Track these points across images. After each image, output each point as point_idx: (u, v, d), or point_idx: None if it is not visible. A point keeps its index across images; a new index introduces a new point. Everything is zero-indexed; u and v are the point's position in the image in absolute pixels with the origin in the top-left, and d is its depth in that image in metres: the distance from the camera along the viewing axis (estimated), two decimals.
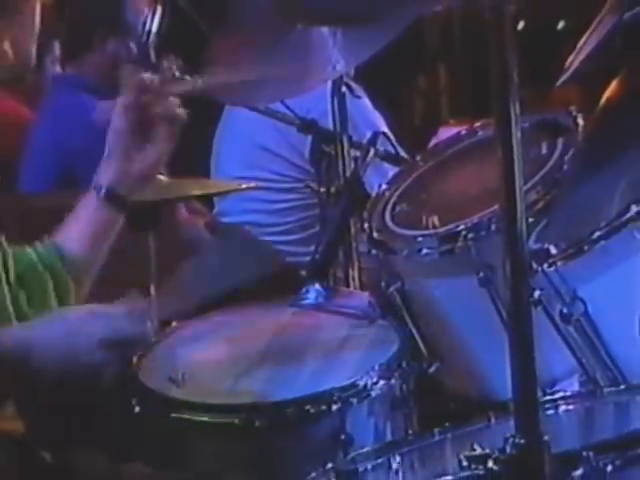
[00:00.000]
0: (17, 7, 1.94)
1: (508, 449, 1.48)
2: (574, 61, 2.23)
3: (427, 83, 5.13)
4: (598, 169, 2.02)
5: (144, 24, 2.91)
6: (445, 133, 3.14)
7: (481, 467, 1.53)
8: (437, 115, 4.82)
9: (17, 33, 1.96)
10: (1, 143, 3.74)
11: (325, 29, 2.36)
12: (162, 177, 2.76)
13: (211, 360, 2.29)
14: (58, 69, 4.03)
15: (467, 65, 4.96)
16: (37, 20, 2.03)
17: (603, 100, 1.96)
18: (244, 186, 3.16)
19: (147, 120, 2.24)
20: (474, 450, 1.55)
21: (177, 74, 2.96)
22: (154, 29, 2.86)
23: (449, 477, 1.73)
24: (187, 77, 2.94)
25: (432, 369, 2.25)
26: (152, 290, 2.71)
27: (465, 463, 1.55)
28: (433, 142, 3.14)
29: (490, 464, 1.51)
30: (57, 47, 4.04)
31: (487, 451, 1.52)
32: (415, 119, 4.94)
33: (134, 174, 2.32)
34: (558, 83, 2.27)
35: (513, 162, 1.42)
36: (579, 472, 1.65)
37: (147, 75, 2.28)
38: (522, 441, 1.47)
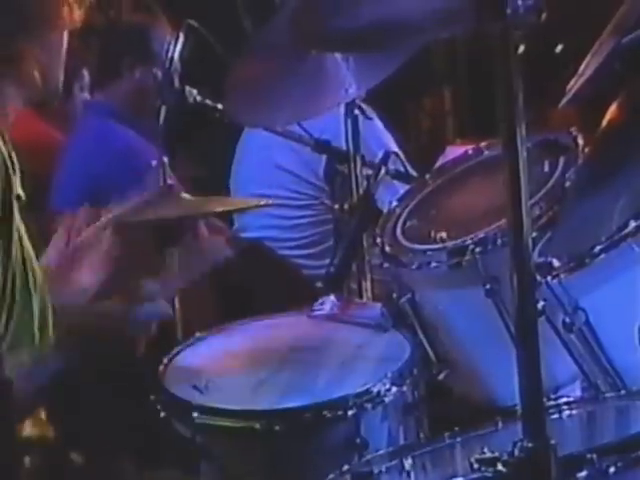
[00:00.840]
0: (45, 33, 1.93)
1: (517, 452, 1.47)
2: (575, 84, 2.23)
3: (433, 105, 5.13)
4: (599, 187, 2.01)
5: (167, 52, 2.92)
6: (452, 152, 3.14)
7: (491, 469, 1.51)
8: (444, 135, 4.81)
9: (45, 58, 1.95)
10: (34, 164, 3.74)
11: (338, 55, 2.36)
12: (185, 195, 2.75)
13: (232, 368, 2.28)
14: (87, 96, 4.03)
15: (471, 87, 4.96)
16: (64, 46, 2.03)
17: (604, 122, 1.95)
18: (262, 203, 3.14)
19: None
20: (484, 453, 1.54)
21: (198, 99, 2.98)
22: (177, 57, 2.87)
23: (459, 479, 1.72)
24: (208, 101, 2.96)
25: (441, 376, 2.25)
26: (176, 302, 2.71)
27: (476, 466, 1.54)
28: (440, 161, 3.14)
29: (499, 467, 1.50)
30: (86, 75, 4.05)
31: (497, 454, 1.51)
32: (422, 139, 4.93)
33: None
34: (560, 105, 2.26)
35: (520, 180, 1.42)
36: (583, 474, 1.64)
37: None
38: (530, 445, 1.46)
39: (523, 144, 1.40)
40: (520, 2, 1.37)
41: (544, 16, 1.41)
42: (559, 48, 4.26)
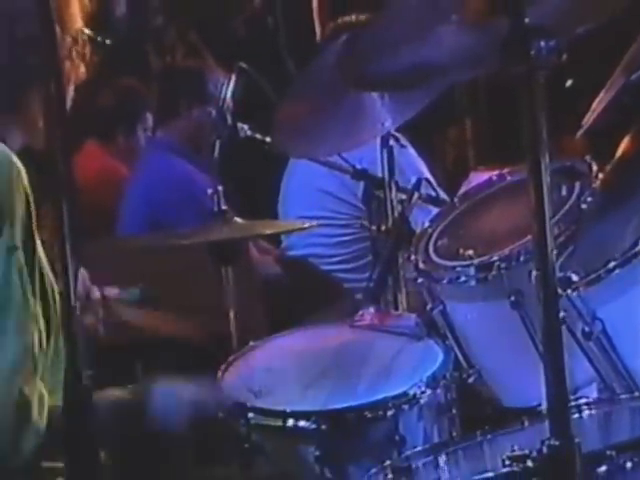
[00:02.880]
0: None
1: (544, 450, 1.45)
2: (589, 118, 2.21)
3: (457, 134, 5.11)
4: (613, 210, 2.00)
5: (221, 92, 2.93)
6: (475, 178, 3.11)
7: (521, 465, 1.50)
8: (467, 162, 4.78)
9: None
10: (103, 195, 3.77)
11: (375, 93, 2.36)
12: (237, 219, 2.76)
13: (283, 373, 2.27)
14: (149, 134, 4.06)
15: (491, 118, 4.93)
16: (68, 98, 2.00)
17: (617, 154, 1.95)
18: (307, 225, 3.14)
19: None
20: (514, 451, 1.52)
21: (249, 133, 2.98)
22: (229, 96, 2.88)
23: (490, 473, 1.70)
24: (258, 135, 2.96)
25: (471, 379, 2.22)
26: (231, 315, 2.71)
27: (507, 462, 1.52)
28: (465, 186, 3.12)
29: (529, 463, 1.49)
30: (149, 117, 4.07)
31: (526, 451, 1.49)
32: (447, 166, 4.91)
33: None
34: (577, 136, 2.25)
35: (543, 203, 1.40)
36: (603, 469, 1.62)
37: None
38: (556, 443, 1.44)
39: (547, 171, 1.39)
40: (543, 44, 1.36)
41: (564, 57, 1.40)
42: (569, 83, 4.23)
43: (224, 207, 2.72)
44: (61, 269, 1.33)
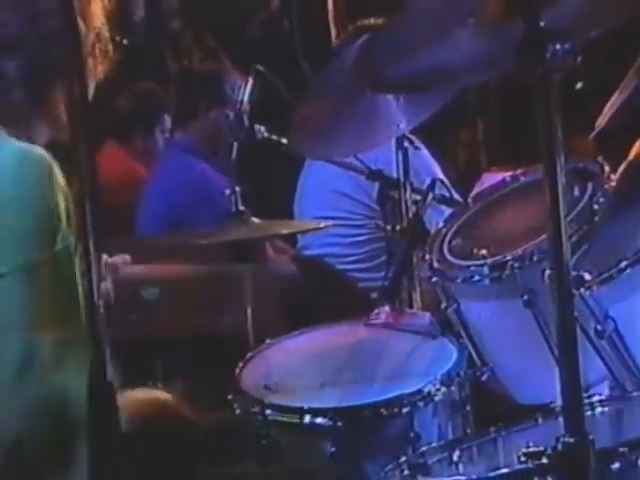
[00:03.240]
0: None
1: (559, 447, 1.45)
2: (602, 120, 2.21)
3: (469, 135, 5.09)
4: (625, 211, 2.00)
5: (238, 94, 2.93)
6: (488, 179, 3.10)
7: (536, 462, 1.49)
8: (479, 163, 4.77)
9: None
10: (121, 196, 3.78)
11: (390, 95, 2.35)
12: (254, 219, 2.76)
13: (300, 371, 2.27)
14: (167, 136, 4.06)
15: (504, 119, 4.92)
16: (89, 94, 2.00)
17: (630, 155, 1.95)
18: (322, 225, 3.14)
19: None
20: (529, 447, 1.52)
21: (266, 135, 2.98)
22: (247, 98, 2.88)
23: (504, 469, 1.70)
24: (274, 137, 2.96)
25: (485, 377, 2.22)
26: (249, 314, 2.71)
27: (523, 459, 1.52)
28: (477, 186, 3.11)
29: (544, 459, 1.48)
30: (167, 119, 4.07)
31: (542, 448, 1.49)
32: (460, 167, 4.90)
33: None
34: (590, 137, 2.25)
35: (559, 204, 1.40)
36: (616, 465, 1.61)
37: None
38: (571, 440, 1.44)
39: (562, 171, 1.39)
40: (558, 47, 1.36)
41: (579, 59, 1.39)
42: (579, 85, 4.22)
43: (241, 207, 2.72)
44: (85, 267, 1.33)
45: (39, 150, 1.72)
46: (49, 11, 1.74)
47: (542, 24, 1.39)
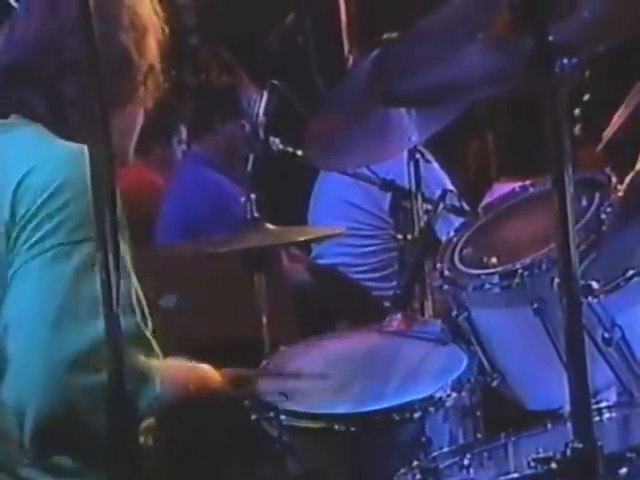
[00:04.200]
0: (123, 105, 1.95)
1: (568, 452, 1.44)
2: (609, 132, 2.21)
3: (478, 146, 5.09)
4: (632, 221, 1.99)
5: (254, 107, 2.93)
6: (498, 189, 3.10)
7: (546, 467, 1.49)
8: (488, 174, 4.76)
9: (122, 125, 1.96)
10: (140, 207, 3.79)
11: (402, 108, 2.36)
12: (269, 226, 2.76)
13: (313, 377, 2.27)
14: (184, 147, 4.08)
15: (513, 130, 4.92)
16: (139, 122, 2.04)
17: (638, 166, 1.95)
18: (337, 232, 3.14)
19: None
20: (539, 453, 1.51)
21: (281, 147, 2.98)
22: (262, 112, 2.88)
23: (514, 474, 1.69)
24: (289, 149, 2.96)
25: (495, 383, 2.21)
26: (264, 321, 2.71)
27: (533, 464, 1.51)
28: (488, 197, 3.11)
29: (553, 465, 1.47)
30: (183, 130, 4.09)
31: (551, 454, 1.48)
32: (469, 178, 4.89)
33: None
34: (598, 149, 2.25)
35: (567, 214, 1.40)
36: (624, 471, 1.60)
37: None
38: (579, 445, 1.43)
39: (571, 182, 1.38)
40: (566, 61, 1.36)
41: (587, 73, 1.39)
42: (586, 97, 4.21)
43: (256, 214, 2.72)
44: (104, 277, 1.33)
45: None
46: (103, 36, 1.78)
47: (551, 39, 1.39)
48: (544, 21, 1.39)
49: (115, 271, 1.33)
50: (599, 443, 1.44)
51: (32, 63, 1.83)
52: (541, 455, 1.50)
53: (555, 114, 1.33)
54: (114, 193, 1.35)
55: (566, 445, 1.44)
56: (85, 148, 1.37)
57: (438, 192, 2.76)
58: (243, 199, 2.75)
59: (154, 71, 1.94)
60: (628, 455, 1.62)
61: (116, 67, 1.83)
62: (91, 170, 1.35)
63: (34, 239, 1.70)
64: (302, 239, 2.98)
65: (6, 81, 1.86)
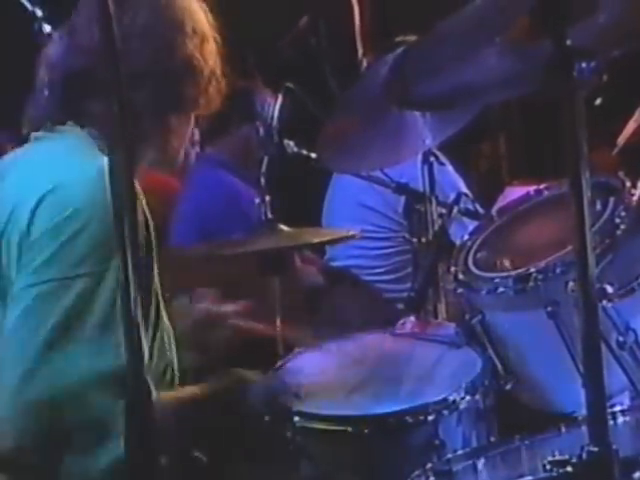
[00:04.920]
0: (188, 110, 1.97)
1: (584, 455, 1.43)
2: (623, 137, 2.20)
3: (491, 149, 5.08)
4: None
5: (268, 110, 2.94)
6: (511, 193, 3.09)
7: (560, 470, 1.48)
8: (501, 177, 4.76)
9: (180, 131, 1.98)
10: (157, 207, 3.78)
11: (417, 112, 2.35)
12: (283, 228, 2.76)
13: (327, 379, 2.26)
14: (197, 149, 4.07)
15: (526, 133, 4.91)
16: (190, 125, 2.05)
17: None
18: (350, 233, 3.14)
19: None
20: (555, 456, 1.51)
21: (295, 149, 2.98)
22: (276, 114, 2.88)
23: (528, 477, 1.69)
24: (303, 151, 2.96)
25: (508, 386, 2.20)
26: (278, 322, 2.71)
27: (548, 467, 1.51)
28: (500, 200, 3.10)
29: (569, 468, 1.47)
30: (196, 133, 4.08)
31: (567, 457, 1.47)
32: (482, 181, 4.88)
33: None
34: (613, 153, 2.24)
35: (584, 218, 1.39)
36: (638, 475, 1.60)
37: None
38: (595, 449, 1.42)
39: (588, 186, 1.38)
40: (584, 65, 1.35)
41: (605, 77, 1.39)
42: (598, 101, 4.19)
43: (270, 215, 2.72)
44: (123, 280, 1.33)
45: None
46: (169, 43, 1.79)
47: (569, 43, 1.38)
48: (562, 25, 1.38)
49: (133, 275, 1.33)
50: (615, 447, 1.43)
51: (100, 69, 1.82)
52: (557, 457, 1.49)
53: (573, 118, 1.32)
54: (134, 201, 1.35)
55: (582, 448, 1.43)
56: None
57: (452, 195, 2.75)
58: (257, 201, 2.75)
59: (216, 77, 1.94)
60: None
61: (181, 73, 1.84)
62: (125, 184, 1.34)
63: (36, 263, 1.72)
64: (316, 241, 2.98)
65: (70, 86, 1.85)
